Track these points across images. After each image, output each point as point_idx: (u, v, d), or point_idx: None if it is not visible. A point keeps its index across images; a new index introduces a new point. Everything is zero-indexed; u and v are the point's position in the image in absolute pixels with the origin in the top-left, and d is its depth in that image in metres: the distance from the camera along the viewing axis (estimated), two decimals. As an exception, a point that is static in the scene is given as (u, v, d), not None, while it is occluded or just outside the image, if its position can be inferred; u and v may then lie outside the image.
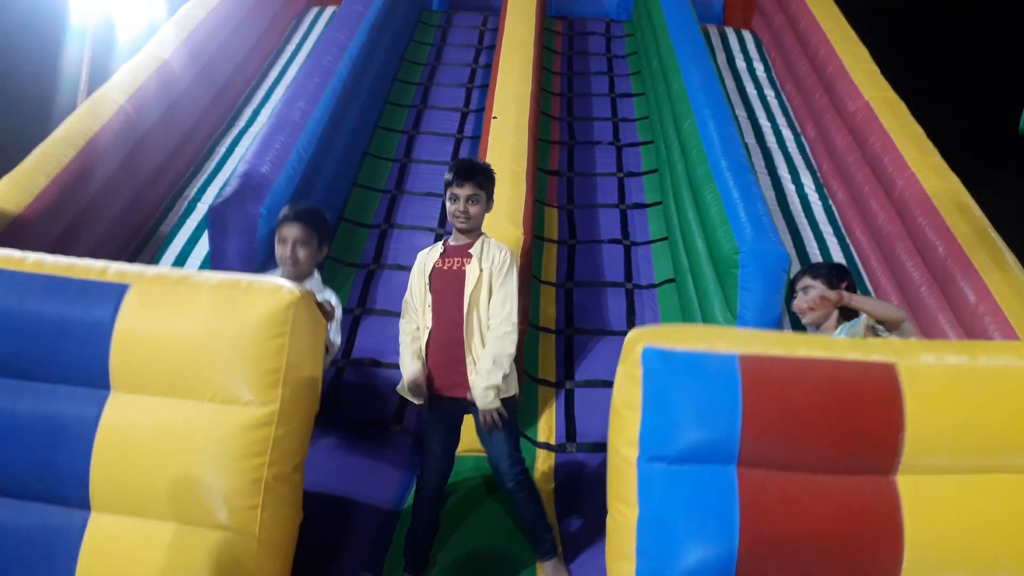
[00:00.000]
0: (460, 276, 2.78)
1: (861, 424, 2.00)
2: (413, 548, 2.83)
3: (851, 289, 2.89)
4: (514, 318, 2.77)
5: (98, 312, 2.20)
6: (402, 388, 2.82)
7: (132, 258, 4.38)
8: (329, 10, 7.30)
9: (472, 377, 2.75)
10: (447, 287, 2.79)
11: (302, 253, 2.86)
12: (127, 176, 4.35)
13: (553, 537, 2.90)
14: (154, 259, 4.38)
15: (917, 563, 1.98)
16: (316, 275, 2.97)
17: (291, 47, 6.69)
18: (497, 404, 2.72)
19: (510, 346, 2.74)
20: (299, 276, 2.87)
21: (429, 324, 2.79)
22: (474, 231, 2.85)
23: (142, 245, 4.48)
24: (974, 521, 2.00)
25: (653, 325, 2.27)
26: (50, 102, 9.92)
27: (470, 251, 2.82)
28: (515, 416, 2.88)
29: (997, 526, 2.00)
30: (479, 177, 2.81)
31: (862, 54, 5.56)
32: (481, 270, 2.77)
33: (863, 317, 2.76)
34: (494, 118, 4.66)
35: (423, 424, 2.88)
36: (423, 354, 2.80)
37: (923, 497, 2.01)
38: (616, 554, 2.10)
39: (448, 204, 2.83)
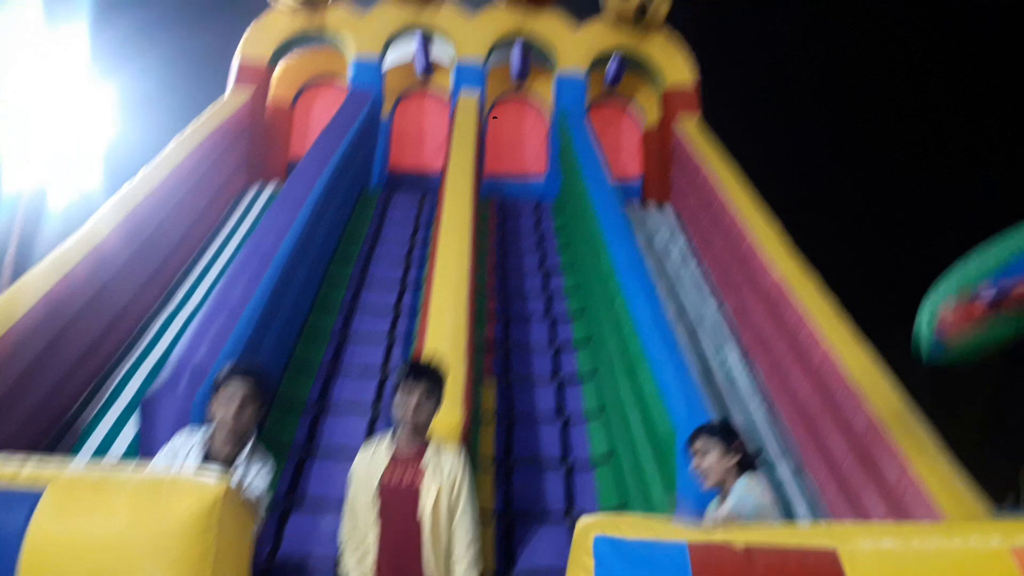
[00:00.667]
0: (414, 495, 2.69)
1: None
2: None
3: (740, 447, 2.93)
4: (476, 537, 2.76)
5: (8, 522, 2.07)
6: None
7: (49, 449, 4.15)
8: (269, 187, 7.56)
9: None
10: (399, 505, 2.70)
11: (247, 412, 2.76)
12: (50, 363, 4.22)
13: None
14: (73, 448, 4.16)
15: None
16: (253, 435, 2.85)
17: (230, 224, 6.83)
18: None
19: (479, 567, 2.73)
20: (240, 436, 2.76)
21: (376, 540, 2.69)
22: (423, 430, 2.81)
23: (60, 436, 4.27)
24: None
25: (602, 514, 2.28)
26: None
27: (422, 463, 2.74)
28: None
29: None
30: (433, 376, 2.83)
31: (772, 232, 6.01)
32: (441, 485, 2.69)
33: (755, 495, 2.77)
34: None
35: None
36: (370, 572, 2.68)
37: None
38: None
39: (399, 398, 2.78)
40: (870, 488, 3.90)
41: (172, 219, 5.80)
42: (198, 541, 2.07)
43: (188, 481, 2.18)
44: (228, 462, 2.80)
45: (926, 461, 3.75)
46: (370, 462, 2.79)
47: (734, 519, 2.54)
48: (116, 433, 4.26)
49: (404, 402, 2.77)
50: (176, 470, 2.71)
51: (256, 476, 2.79)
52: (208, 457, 2.81)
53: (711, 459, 2.89)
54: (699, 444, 2.95)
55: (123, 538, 2.06)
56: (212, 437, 2.85)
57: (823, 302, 5.14)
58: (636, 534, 2.10)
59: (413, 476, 2.72)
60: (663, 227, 7.59)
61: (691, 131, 7.90)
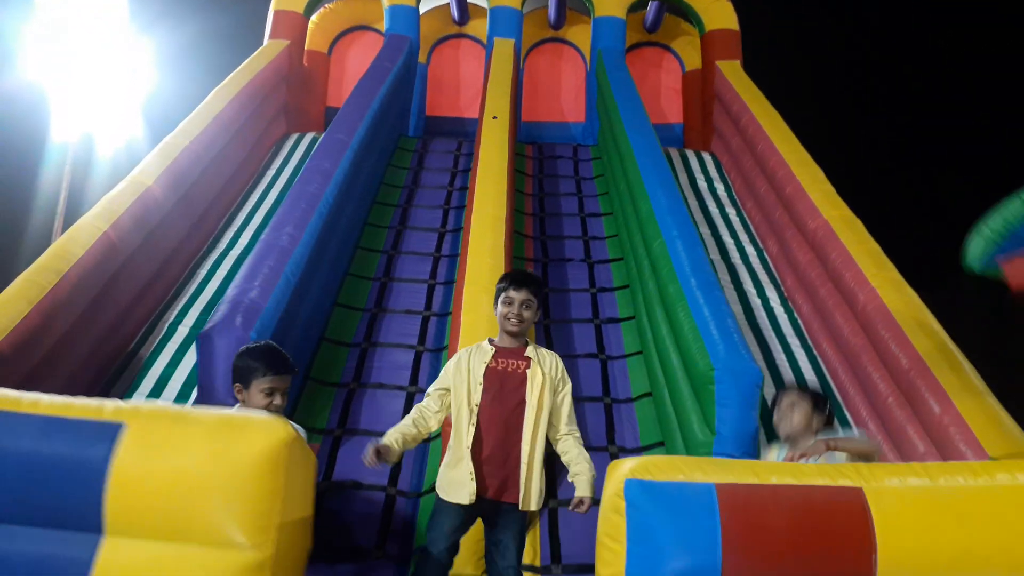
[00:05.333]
0: (521, 378, 2.82)
1: (835, 547, 2.10)
2: None
3: (831, 414, 3.13)
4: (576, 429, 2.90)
5: (94, 453, 2.19)
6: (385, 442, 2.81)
7: (112, 381, 4.35)
8: (308, 136, 7.62)
9: (576, 470, 2.81)
10: (507, 388, 2.81)
11: (283, 400, 2.89)
12: (108, 301, 4.39)
13: None
14: (134, 383, 4.35)
15: None
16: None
17: (271, 172, 6.93)
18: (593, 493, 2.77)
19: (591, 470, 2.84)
20: None
21: (475, 422, 2.78)
22: (522, 336, 2.93)
23: (122, 369, 4.46)
24: None
25: (633, 457, 2.36)
26: (28, 217, 10.01)
27: (526, 354, 2.89)
28: (528, 527, 2.88)
29: None
30: (533, 286, 2.96)
31: (818, 175, 5.93)
32: (544, 374, 2.82)
33: (841, 455, 2.92)
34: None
35: (433, 528, 2.83)
36: (465, 447, 2.78)
37: None
38: None
39: (501, 307, 2.92)
40: (912, 425, 3.90)
41: (214, 167, 5.90)
42: (270, 476, 2.16)
43: (261, 419, 2.28)
44: None
45: (971, 399, 3.74)
46: (473, 356, 2.92)
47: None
48: (175, 366, 4.44)
49: (507, 311, 2.89)
50: None
51: None
52: None
53: (801, 413, 3.08)
54: (791, 398, 3.15)
55: (200, 470, 2.17)
56: None
57: (868, 245, 5.08)
58: (666, 476, 2.17)
59: (518, 364, 2.86)
60: (704, 171, 7.51)
61: (733, 75, 7.74)
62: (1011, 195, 3.24)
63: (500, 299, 2.95)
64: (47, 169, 9.69)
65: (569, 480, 2.90)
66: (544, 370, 2.84)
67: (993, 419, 3.63)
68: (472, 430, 2.77)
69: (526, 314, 2.90)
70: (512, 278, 2.97)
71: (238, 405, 2.94)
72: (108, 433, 2.21)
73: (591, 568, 3.36)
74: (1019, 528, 2.14)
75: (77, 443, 2.21)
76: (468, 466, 2.74)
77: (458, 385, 2.86)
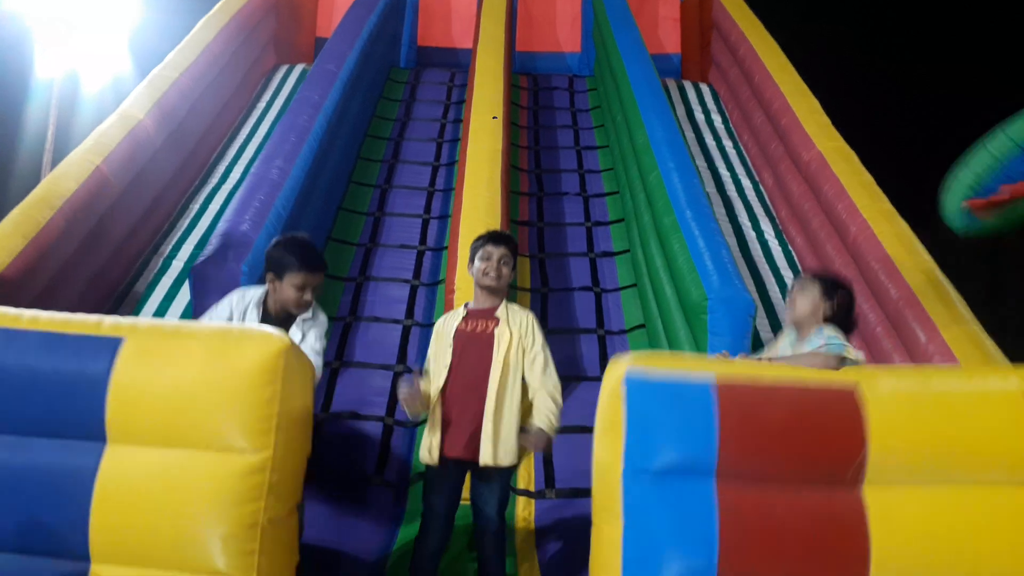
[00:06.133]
0: (488, 339, 2.83)
1: (828, 442, 2.18)
2: None
3: (843, 302, 2.84)
4: (557, 380, 2.86)
5: (94, 366, 2.25)
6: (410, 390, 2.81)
7: (108, 315, 4.37)
8: (298, 68, 7.47)
9: (538, 417, 2.78)
10: (473, 349, 2.83)
11: (312, 296, 2.94)
12: (102, 235, 4.38)
13: None
14: (131, 314, 4.37)
15: (883, 569, 2.12)
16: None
17: (261, 104, 6.82)
18: (552, 435, 2.78)
19: (560, 401, 2.82)
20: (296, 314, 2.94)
21: (441, 384, 2.82)
22: (500, 293, 2.93)
23: (118, 303, 4.49)
24: (933, 530, 2.17)
25: (633, 352, 2.41)
26: (15, 154, 9.89)
27: (496, 314, 2.88)
28: (510, 480, 2.93)
29: (954, 535, 2.17)
30: (511, 244, 2.95)
31: (814, 106, 5.87)
32: (511, 333, 2.83)
33: (844, 349, 2.71)
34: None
35: (426, 487, 2.90)
36: (435, 408, 2.81)
37: (887, 509, 2.17)
38: (601, 565, 2.21)
39: (478, 263, 2.91)
40: (899, 353, 3.97)
41: (204, 100, 5.80)
42: (266, 386, 2.22)
43: (256, 332, 2.32)
44: (286, 322, 2.97)
45: (958, 329, 3.78)
46: (445, 321, 2.96)
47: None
48: (170, 300, 4.47)
49: (484, 266, 2.89)
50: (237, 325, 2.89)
51: (312, 332, 2.97)
52: (266, 316, 2.97)
53: (808, 298, 2.82)
54: (802, 282, 2.92)
55: (198, 380, 2.23)
56: (266, 300, 2.99)
57: (862, 177, 5.06)
58: (666, 369, 2.22)
59: (486, 324, 2.88)
60: (701, 103, 7.41)
61: (732, 3, 7.56)
62: (976, 145, 3.19)
63: (477, 255, 2.93)
64: (33, 107, 9.52)
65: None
66: (512, 328, 2.83)
67: (979, 348, 3.69)
68: (441, 393, 2.81)
69: (504, 270, 2.89)
70: (490, 236, 2.97)
71: (261, 293, 2.98)
72: (108, 347, 2.27)
73: (584, 492, 3.48)
74: (1005, 429, 2.22)
75: (78, 357, 2.27)
76: (437, 427, 2.79)
77: (435, 349, 2.91)
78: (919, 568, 2.16)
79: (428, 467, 2.87)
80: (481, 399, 2.77)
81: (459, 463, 2.82)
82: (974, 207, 3.22)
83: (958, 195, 3.23)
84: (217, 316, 3.00)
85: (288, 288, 2.91)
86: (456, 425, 2.80)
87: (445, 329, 2.92)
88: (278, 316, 2.98)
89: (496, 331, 2.84)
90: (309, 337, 2.97)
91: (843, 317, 2.85)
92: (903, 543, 2.15)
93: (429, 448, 2.81)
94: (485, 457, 2.74)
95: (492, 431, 2.75)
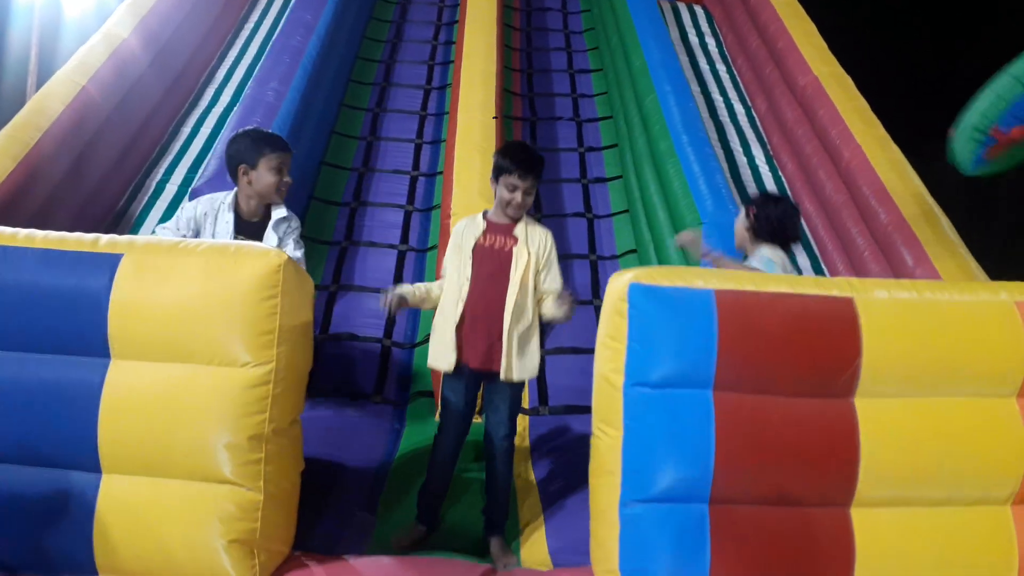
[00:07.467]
0: (507, 257, 2.83)
1: (823, 351, 2.27)
2: (426, 504, 2.93)
3: (767, 215, 3.00)
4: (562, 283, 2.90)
5: (94, 282, 2.27)
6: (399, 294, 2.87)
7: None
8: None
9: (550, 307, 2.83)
10: (492, 266, 2.84)
11: (288, 179, 3.00)
12: (92, 158, 4.32)
13: (506, 515, 2.99)
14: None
15: (871, 474, 2.26)
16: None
17: (250, 25, 6.62)
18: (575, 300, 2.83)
19: (570, 312, 2.82)
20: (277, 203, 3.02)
21: (464, 296, 2.83)
22: (520, 217, 2.91)
23: (112, 228, 4.48)
24: (921, 439, 2.29)
25: (634, 268, 2.46)
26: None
27: (515, 232, 2.87)
28: (522, 391, 2.98)
29: (941, 444, 2.30)
30: (539, 169, 2.88)
31: (810, 29, 5.79)
32: (529, 254, 2.83)
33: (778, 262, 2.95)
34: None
35: (445, 388, 2.96)
36: (452, 318, 2.83)
37: (878, 417, 2.28)
38: (600, 471, 2.32)
39: (503, 191, 2.84)
40: (887, 276, 4.05)
41: (190, 19, 5.64)
42: (266, 300, 2.26)
43: (254, 248, 2.35)
44: (260, 223, 3.02)
45: (946, 254, 3.87)
46: (465, 228, 2.93)
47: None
48: (165, 221, 4.45)
49: (510, 197, 2.84)
50: (210, 233, 2.97)
51: (291, 239, 3.04)
52: (239, 219, 3.01)
53: (738, 222, 3.10)
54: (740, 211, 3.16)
55: (198, 297, 2.26)
56: (238, 201, 3.03)
57: (857, 103, 5.05)
58: (668, 281, 2.28)
59: (505, 240, 2.87)
60: (695, 26, 7.29)
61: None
62: (984, 88, 3.20)
63: (501, 180, 2.85)
64: (13, 32, 9.21)
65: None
66: (531, 250, 2.83)
67: (966, 274, 3.78)
68: (461, 304, 2.83)
69: (528, 200, 2.86)
70: (520, 162, 2.84)
71: (240, 186, 3.02)
72: (107, 263, 2.28)
73: (576, 409, 3.62)
74: (994, 340, 2.32)
75: (77, 273, 2.28)
76: (452, 336, 2.82)
77: (454, 257, 2.90)
78: (906, 475, 2.29)
79: (444, 374, 2.92)
80: (499, 313, 2.80)
81: (474, 373, 2.88)
82: (989, 156, 3.26)
83: (967, 137, 3.27)
84: (184, 221, 3.03)
85: (265, 172, 2.96)
86: (474, 336, 2.83)
87: (464, 240, 2.89)
88: (250, 217, 3.03)
89: (515, 250, 2.85)
90: (288, 246, 3.02)
91: (773, 229, 2.98)
92: (892, 452, 2.27)
93: (442, 353, 2.85)
94: (505, 371, 2.80)
95: (508, 347, 2.80)
